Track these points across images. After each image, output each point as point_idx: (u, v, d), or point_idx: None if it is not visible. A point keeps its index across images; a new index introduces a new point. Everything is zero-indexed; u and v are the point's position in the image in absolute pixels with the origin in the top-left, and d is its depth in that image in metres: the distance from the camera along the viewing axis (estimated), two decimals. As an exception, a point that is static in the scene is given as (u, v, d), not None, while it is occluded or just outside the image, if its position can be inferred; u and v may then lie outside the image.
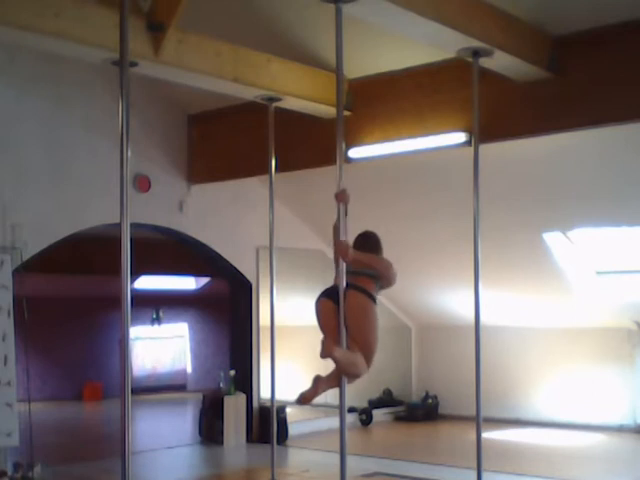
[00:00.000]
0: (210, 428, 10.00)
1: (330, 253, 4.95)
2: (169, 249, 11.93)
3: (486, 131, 6.26)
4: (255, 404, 10.16)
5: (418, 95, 7.37)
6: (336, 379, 4.78)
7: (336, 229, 4.76)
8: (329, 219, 4.90)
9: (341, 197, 4.72)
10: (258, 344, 10.20)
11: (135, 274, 9.88)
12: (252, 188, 9.67)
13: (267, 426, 8.57)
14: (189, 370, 17.35)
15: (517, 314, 10.84)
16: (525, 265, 9.73)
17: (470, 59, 5.99)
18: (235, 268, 10.15)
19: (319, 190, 9.43)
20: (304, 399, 4.84)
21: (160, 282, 15.46)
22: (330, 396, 5.08)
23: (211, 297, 15.87)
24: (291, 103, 7.44)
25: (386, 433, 11.12)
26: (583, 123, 6.55)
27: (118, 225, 4.06)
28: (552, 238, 9.29)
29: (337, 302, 4.68)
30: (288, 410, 10.21)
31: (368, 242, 5.16)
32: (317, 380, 4.82)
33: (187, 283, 16.45)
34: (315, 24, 6.97)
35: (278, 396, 7.57)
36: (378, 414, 11.59)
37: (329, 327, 4.78)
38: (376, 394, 12.00)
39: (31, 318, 7.59)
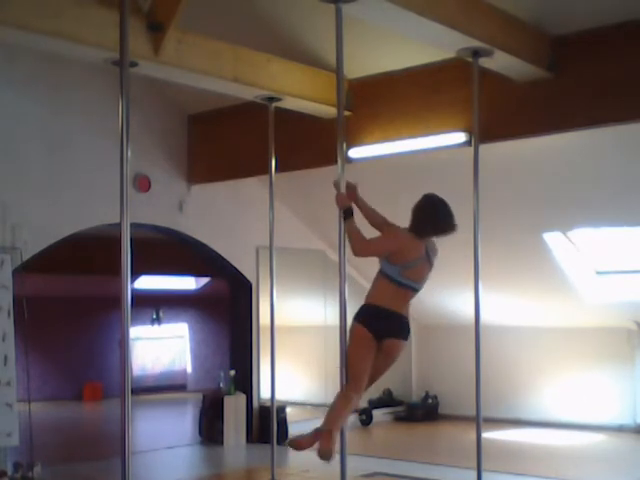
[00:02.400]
0: (210, 428, 10.00)
1: (332, 254, 4.94)
2: (169, 249, 11.92)
3: (486, 131, 6.27)
4: (255, 404, 10.16)
5: (418, 95, 7.37)
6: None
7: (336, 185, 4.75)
8: (329, 219, 4.91)
9: (339, 199, 4.72)
10: (258, 344, 10.20)
11: (135, 274, 9.90)
12: (252, 188, 9.67)
13: (267, 426, 8.57)
14: (189, 370, 17.35)
15: (517, 314, 10.84)
16: (525, 265, 9.73)
17: (470, 59, 5.99)
18: (235, 268, 10.15)
19: (319, 190, 9.43)
20: (298, 444, 5.01)
21: (160, 282, 15.45)
22: (330, 396, 5.08)
23: (211, 297, 15.87)
24: (291, 103, 7.44)
25: (386, 433, 11.12)
26: (583, 123, 6.55)
27: (118, 225, 4.06)
28: (552, 238, 9.29)
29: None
30: (288, 410, 10.21)
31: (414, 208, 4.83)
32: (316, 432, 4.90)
33: (187, 283, 16.45)
34: (315, 24, 6.98)
35: (278, 396, 7.57)
36: (378, 414, 11.59)
37: None
38: (376, 394, 11.99)
39: (31, 318, 7.59)
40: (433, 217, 4.75)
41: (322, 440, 4.68)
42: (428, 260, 4.83)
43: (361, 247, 4.62)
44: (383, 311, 4.69)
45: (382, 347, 4.71)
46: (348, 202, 4.72)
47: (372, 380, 4.86)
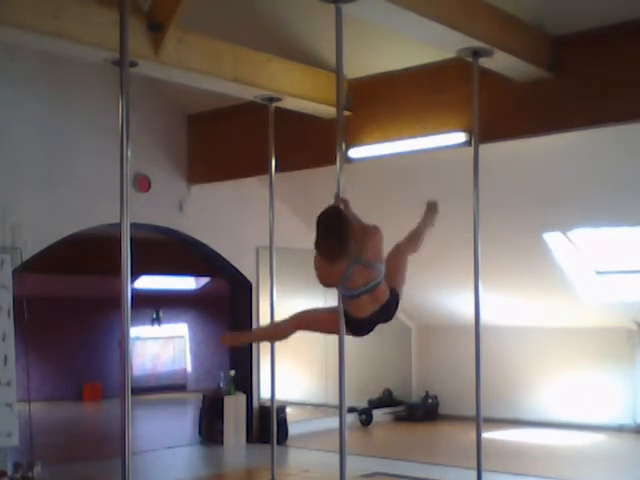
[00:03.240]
0: (210, 428, 10.00)
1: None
2: (169, 249, 11.92)
3: (486, 131, 6.27)
4: (255, 404, 10.15)
5: (418, 95, 7.37)
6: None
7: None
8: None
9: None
10: (258, 344, 10.19)
11: (135, 274, 9.89)
12: (252, 188, 9.66)
13: (267, 426, 8.57)
14: (189, 370, 17.35)
15: (517, 314, 10.84)
16: (525, 265, 9.73)
17: (470, 59, 5.99)
18: (235, 268, 10.15)
19: (319, 190, 9.41)
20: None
21: (160, 282, 15.45)
22: (330, 396, 5.10)
23: (211, 297, 15.86)
24: (291, 103, 7.44)
25: (386, 433, 11.12)
26: (583, 123, 6.55)
27: (118, 225, 4.06)
28: (552, 238, 9.29)
29: None
30: (288, 410, 10.21)
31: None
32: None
33: (187, 283, 16.45)
34: (315, 24, 6.98)
35: (278, 396, 7.57)
36: (378, 414, 11.59)
37: None
38: (376, 394, 12.00)
39: (31, 318, 7.59)
40: (322, 239, 4.28)
41: None
42: (359, 263, 4.29)
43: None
44: (362, 320, 4.48)
45: None
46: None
47: None
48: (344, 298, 4.50)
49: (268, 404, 8.14)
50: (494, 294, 9.69)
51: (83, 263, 12.63)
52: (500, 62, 6.18)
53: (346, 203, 4.75)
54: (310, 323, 4.73)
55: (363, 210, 5.30)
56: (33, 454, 7.51)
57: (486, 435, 6.71)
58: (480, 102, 5.95)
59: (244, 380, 10.08)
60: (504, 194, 8.44)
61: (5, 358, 7.30)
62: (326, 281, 4.40)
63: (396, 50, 7.17)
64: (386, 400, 12.04)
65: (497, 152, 7.31)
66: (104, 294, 12.71)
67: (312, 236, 4.29)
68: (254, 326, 10.20)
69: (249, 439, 9.96)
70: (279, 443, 8.75)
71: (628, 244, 9.18)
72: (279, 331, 4.96)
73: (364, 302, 4.43)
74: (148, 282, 14.67)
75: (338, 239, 4.22)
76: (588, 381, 10.65)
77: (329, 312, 4.71)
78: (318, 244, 4.26)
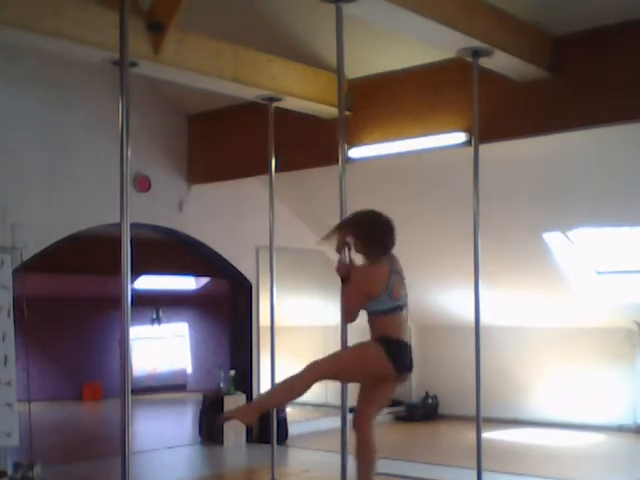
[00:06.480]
0: (210, 428, 10.00)
1: (331, 254, 4.89)
2: (169, 249, 11.92)
3: (486, 131, 6.27)
4: (255, 404, 10.14)
5: (418, 95, 7.38)
6: None
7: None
8: (329, 219, 4.91)
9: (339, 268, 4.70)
10: (258, 344, 10.20)
11: (135, 274, 9.87)
12: (252, 188, 9.66)
13: (267, 426, 8.56)
14: (189, 370, 17.35)
15: (517, 314, 10.83)
16: (525, 265, 9.73)
17: (470, 59, 5.99)
18: (235, 268, 10.15)
19: (319, 190, 9.44)
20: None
21: (160, 282, 15.45)
22: (330, 396, 5.09)
23: (211, 297, 15.86)
24: (291, 103, 7.44)
25: (386, 433, 11.09)
26: (583, 123, 6.55)
27: (118, 225, 4.06)
28: (552, 238, 9.29)
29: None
30: (288, 410, 10.20)
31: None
32: None
33: (187, 283, 16.45)
34: (315, 24, 6.98)
35: (278, 396, 7.55)
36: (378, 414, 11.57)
37: None
38: (376, 394, 11.98)
39: (31, 318, 7.59)
40: (388, 235, 4.62)
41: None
42: (396, 272, 4.61)
43: (346, 315, 4.71)
44: (405, 345, 4.56)
45: (399, 379, 4.69)
46: (346, 271, 4.71)
47: (380, 408, 4.98)
48: (381, 317, 4.50)
49: (268, 404, 8.12)
50: (494, 294, 9.68)
51: (83, 263, 12.62)
52: (500, 62, 6.18)
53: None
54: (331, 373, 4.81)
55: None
56: (33, 454, 7.50)
57: (486, 435, 6.71)
58: (480, 102, 5.95)
59: (244, 380, 10.08)
60: (504, 194, 8.44)
61: (5, 358, 7.29)
62: (375, 287, 4.46)
63: (396, 50, 7.18)
64: (386, 400, 12.02)
65: (497, 152, 7.31)
66: (104, 294, 12.73)
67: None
68: (254, 326, 10.20)
69: (249, 439, 9.95)
70: (279, 443, 8.75)
71: (628, 244, 9.18)
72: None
73: (404, 320, 4.52)
74: (148, 282, 14.67)
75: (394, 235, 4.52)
76: (588, 381, 10.64)
77: (353, 350, 4.70)
78: (380, 239, 4.49)
